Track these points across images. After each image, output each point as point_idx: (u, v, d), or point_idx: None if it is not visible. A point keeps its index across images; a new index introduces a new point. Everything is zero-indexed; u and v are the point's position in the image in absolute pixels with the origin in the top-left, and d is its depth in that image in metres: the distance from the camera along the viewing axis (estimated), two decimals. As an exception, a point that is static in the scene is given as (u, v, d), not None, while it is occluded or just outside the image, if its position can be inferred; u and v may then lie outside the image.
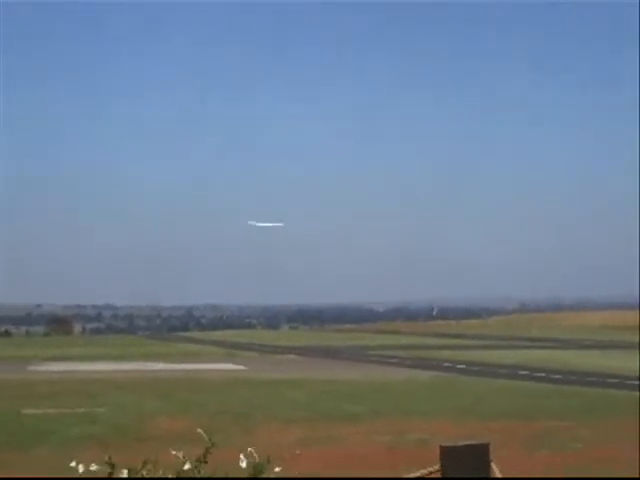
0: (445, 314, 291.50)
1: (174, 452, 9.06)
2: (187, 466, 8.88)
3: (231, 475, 9.01)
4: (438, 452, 15.50)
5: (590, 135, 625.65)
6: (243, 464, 9.02)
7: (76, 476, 8.99)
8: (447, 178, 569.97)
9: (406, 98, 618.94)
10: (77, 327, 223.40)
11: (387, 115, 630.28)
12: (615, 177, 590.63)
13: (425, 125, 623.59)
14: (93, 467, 8.72)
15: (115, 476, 8.57)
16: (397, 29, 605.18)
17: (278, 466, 9.12)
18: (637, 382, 53.55)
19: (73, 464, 8.86)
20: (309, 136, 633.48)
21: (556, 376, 59.82)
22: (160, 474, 8.83)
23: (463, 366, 70.45)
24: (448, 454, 15.27)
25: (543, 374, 61.55)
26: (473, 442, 16.38)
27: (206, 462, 8.98)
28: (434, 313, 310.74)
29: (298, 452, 23.42)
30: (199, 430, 9.79)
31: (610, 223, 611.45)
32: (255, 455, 9.04)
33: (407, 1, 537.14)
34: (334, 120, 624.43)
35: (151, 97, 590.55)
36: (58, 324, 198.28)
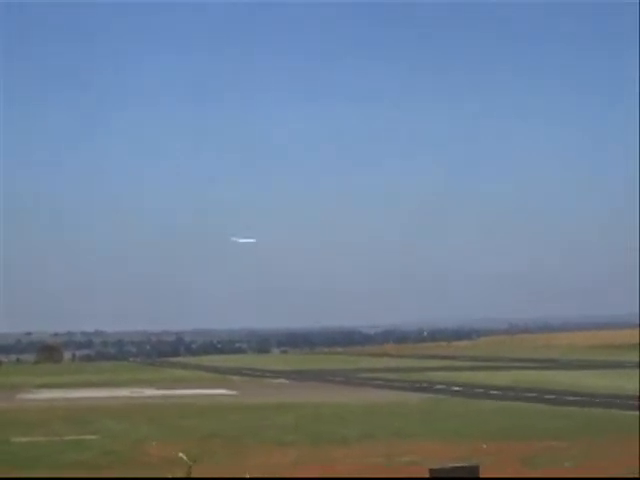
0: (435, 336, 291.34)
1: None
2: None
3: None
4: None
5: (589, 144, 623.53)
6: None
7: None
8: (436, 201, 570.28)
9: (404, 105, 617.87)
10: (67, 354, 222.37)
11: (381, 126, 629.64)
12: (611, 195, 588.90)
13: (419, 138, 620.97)
14: None
15: None
16: (393, 32, 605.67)
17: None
18: (627, 401, 53.68)
19: None
20: (303, 149, 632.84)
21: (546, 396, 59.83)
22: None
23: (454, 388, 70.38)
24: (437, 477, 15.34)
25: (533, 394, 61.53)
26: (463, 464, 16.46)
27: None
28: (424, 335, 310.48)
29: (288, 476, 23.47)
30: (180, 454, 9.95)
31: (597, 246, 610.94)
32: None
33: (404, 2, 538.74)
34: (331, 137, 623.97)
35: (148, 105, 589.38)
36: (48, 352, 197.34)
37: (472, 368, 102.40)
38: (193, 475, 9.01)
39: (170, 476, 8.87)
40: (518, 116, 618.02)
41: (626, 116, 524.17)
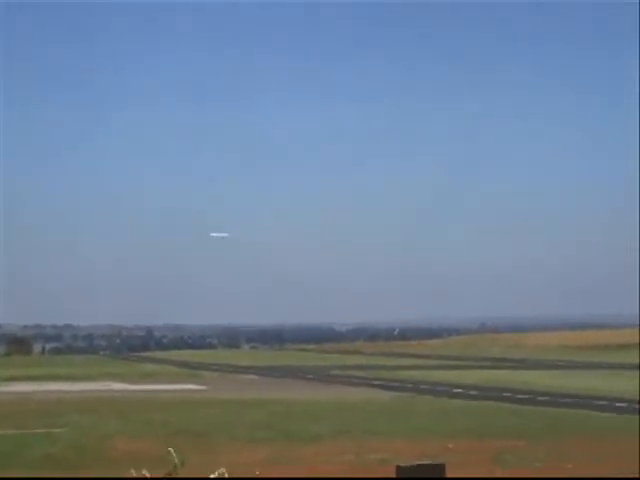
0: (406, 334, 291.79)
1: (144, 472, 9.28)
2: None
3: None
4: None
5: (589, 144, 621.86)
6: None
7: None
8: (421, 204, 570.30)
9: (403, 105, 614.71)
10: (37, 347, 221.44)
11: (381, 126, 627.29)
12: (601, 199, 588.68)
13: (419, 138, 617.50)
14: None
15: None
16: (393, 31, 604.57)
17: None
18: (595, 402, 54.17)
19: None
20: (303, 149, 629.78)
21: (515, 396, 60.25)
22: None
23: (423, 386, 70.76)
24: (404, 473, 15.52)
25: (502, 394, 61.94)
26: (429, 461, 16.66)
27: None
28: (395, 333, 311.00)
29: (258, 472, 23.59)
30: (169, 449, 9.99)
31: (597, 246, 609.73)
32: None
33: (404, 2, 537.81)
34: (330, 136, 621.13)
35: (148, 105, 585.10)
36: (17, 344, 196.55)
37: (442, 367, 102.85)
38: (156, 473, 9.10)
39: (139, 471, 8.92)
40: (518, 116, 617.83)
41: (626, 116, 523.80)
